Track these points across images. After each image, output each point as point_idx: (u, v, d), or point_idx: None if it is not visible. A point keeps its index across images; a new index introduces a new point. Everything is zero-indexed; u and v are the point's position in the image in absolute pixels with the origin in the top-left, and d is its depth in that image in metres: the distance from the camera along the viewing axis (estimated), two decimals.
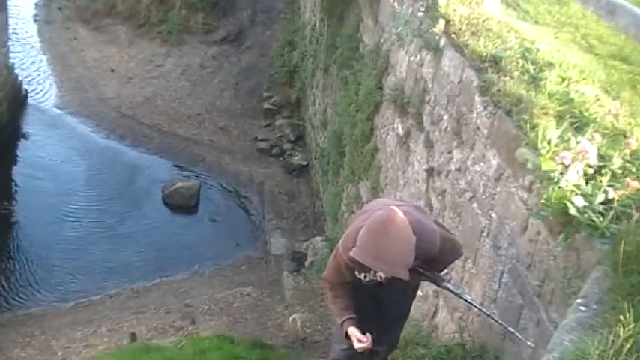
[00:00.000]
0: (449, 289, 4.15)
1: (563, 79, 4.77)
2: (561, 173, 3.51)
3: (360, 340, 4.07)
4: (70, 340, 10.47)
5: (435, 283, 4.13)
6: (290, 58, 16.35)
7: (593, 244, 3.37)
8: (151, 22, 19.21)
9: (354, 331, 4.12)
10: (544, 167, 3.66)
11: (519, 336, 3.91)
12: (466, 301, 4.23)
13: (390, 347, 4.51)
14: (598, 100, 4.47)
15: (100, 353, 9.16)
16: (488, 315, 4.25)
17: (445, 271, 4.60)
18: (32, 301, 11.80)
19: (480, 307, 4.31)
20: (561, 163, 3.53)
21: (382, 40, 8.98)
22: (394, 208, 3.63)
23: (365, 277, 3.97)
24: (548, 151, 3.76)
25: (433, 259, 3.88)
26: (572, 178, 3.45)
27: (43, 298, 11.86)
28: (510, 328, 3.99)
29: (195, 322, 10.59)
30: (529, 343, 3.80)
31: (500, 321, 4.13)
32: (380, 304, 4.31)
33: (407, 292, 4.35)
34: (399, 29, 7.14)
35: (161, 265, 12.64)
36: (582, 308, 2.98)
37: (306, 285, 11.04)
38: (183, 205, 14.19)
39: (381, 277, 3.93)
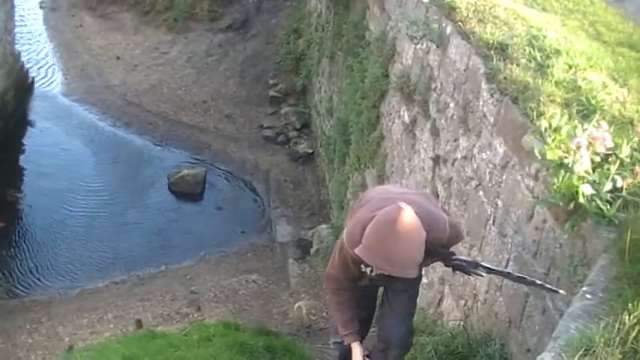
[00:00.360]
0: (461, 261, 3.93)
1: (571, 67, 4.74)
2: (574, 161, 3.46)
3: None
4: (77, 327, 10.52)
5: (444, 262, 3.95)
6: (296, 45, 16.30)
7: (599, 232, 3.36)
8: (156, 9, 19.17)
9: (356, 349, 4.03)
10: (549, 156, 3.63)
11: (550, 287, 3.71)
12: (486, 267, 3.96)
13: (402, 345, 4.17)
14: (605, 87, 4.45)
15: (105, 340, 9.19)
16: (507, 276, 4.06)
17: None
18: (39, 287, 11.86)
19: (498, 269, 4.13)
20: (578, 148, 3.46)
21: (388, 28, 8.95)
22: (402, 205, 3.40)
23: (371, 271, 3.77)
24: (554, 140, 3.73)
25: (442, 246, 3.78)
26: (586, 164, 3.42)
27: (50, 285, 11.92)
28: (538, 281, 3.80)
29: (200, 309, 10.63)
30: (562, 291, 3.64)
31: (524, 276, 3.93)
32: (386, 294, 4.17)
33: (413, 280, 4.21)
34: (409, 30, 7.09)
35: (167, 253, 12.68)
36: (588, 296, 2.97)
37: (311, 272, 11.06)
38: (188, 192, 14.21)
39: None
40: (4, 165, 14.54)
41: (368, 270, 3.77)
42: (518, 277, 3.95)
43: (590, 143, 3.48)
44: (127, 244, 12.87)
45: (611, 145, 3.51)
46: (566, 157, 3.52)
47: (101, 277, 12.03)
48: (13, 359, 9.93)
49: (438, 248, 3.70)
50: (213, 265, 12.26)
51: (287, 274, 11.34)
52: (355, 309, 4.05)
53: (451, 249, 3.88)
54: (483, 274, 3.98)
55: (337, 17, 12.24)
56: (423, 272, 4.15)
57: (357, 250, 3.46)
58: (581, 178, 3.42)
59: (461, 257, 3.97)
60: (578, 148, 3.46)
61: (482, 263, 4.03)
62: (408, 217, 3.36)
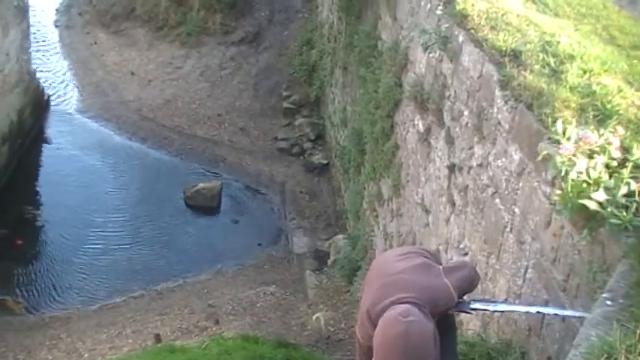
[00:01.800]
0: (477, 309, 3.86)
1: (585, 72, 4.71)
2: (569, 166, 3.42)
3: None
4: (96, 342, 10.57)
5: (462, 312, 3.89)
6: (309, 56, 16.35)
7: (618, 238, 3.32)
8: (169, 24, 19.30)
9: None
10: (558, 165, 3.59)
11: (570, 314, 3.68)
12: (498, 311, 3.99)
13: None
14: (621, 91, 4.41)
15: (125, 355, 9.22)
16: (524, 311, 4.04)
17: None
18: (57, 304, 11.94)
19: (514, 308, 4.12)
20: (566, 156, 3.44)
21: (400, 37, 8.95)
22: (402, 318, 3.32)
23: None
24: (577, 148, 3.69)
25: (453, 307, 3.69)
26: (582, 167, 3.37)
27: (68, 301, 11.99)
28: (557, 312, 3.78)
29: (219, 323, 10.64)
30: (581, 314, 3.59)
31: (543, 311, 3.91)
32: None
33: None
34: (421, 39, 7.09)
35: (184, 267, 12.72)
36: (608, 303, 2.95)
37: (329, 283, 11.05)
38: (205, 206, 14.26)
39: None
40: (21, 182, 14.68)
41: None
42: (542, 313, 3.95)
43: (579, 146, 3.44)
44: (145, 259, 12.92)
45: (595, 140, 3.47)
46: (563, 164, 3.49)
47: (119, 292, 12.08)
48: None
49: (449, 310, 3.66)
50: (231, 277, 12.28)
51: (304, 285, 11.33)
52: None
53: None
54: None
55: (349, 27, 12.26)
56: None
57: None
58: (590, 185, 3.37)
59: (477, 305, 3.83)
60: (565, 152, 3.43)
61: (499, 307, 4.02)
62: (414, 328, 3.29)
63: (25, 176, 15.01)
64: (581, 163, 3.37)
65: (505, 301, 3.81)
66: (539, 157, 3.86)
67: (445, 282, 3.57)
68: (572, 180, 3.36)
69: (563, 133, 3.61)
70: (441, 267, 3.65)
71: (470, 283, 3.76)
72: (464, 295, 3.73)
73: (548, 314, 3.90)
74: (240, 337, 6.97)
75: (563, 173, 3.44)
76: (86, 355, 10.16)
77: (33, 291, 12.20)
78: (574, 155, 3.42)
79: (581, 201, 3.30)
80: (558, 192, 3.51)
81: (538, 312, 3.87)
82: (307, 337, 9.76)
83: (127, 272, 12.59)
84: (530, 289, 4.42)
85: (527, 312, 3.92)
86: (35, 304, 11.94)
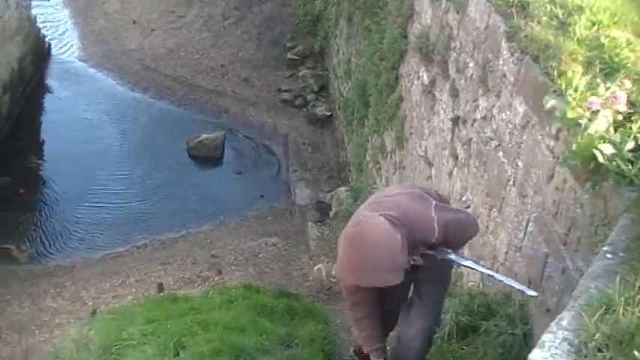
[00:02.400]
0: (452, 259, 3.79)
1: (594, 24, 4.63)
2: (590, 120, 3.42)
3: None
4: (99, 291, 10.68)
5: (438, 257, 3.77)
6: (313, 6, 16.13)
7: (621, 192, 3.31)
8: None
9: None
10: (570, 115, 3.57)
11: (525, 290, 3.73)
12: (468, 267, 3.95)
13: (428, 329, 4.02)
14: (630, 44, 4.34)
15: (128, 303, 9.32)
16: (492, 277, 3.97)
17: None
18: (62, 253, 12.03)
19: (483, 269, 4.03)
20: (589, 109, 3.43)
21: None
22: (363, 217, 3.47)
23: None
24: (575, 99, 3.67)
25: (441, 243, 3.66)
26: (602, 124, 3.37)
27: (72, 250, 12.08)
28: (517, 286, 3.82)
29: (221, 273, 10.72)
30: (533, 293, 3.70)
31: (505, 280, 3.88)
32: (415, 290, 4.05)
33: (435, 271, 3.97)
34: None
35: (187, 217, 12.77)
36: (609, 256, 2.95)
37: (330, 235, 11.10)
38: (208, 156, 14.26)
39: None
40: (23, 132, 14.67)
41: None
42: (505, 282, 3.92)
43: (605, 103, 3.42)
44: (148, 209, 12.98)
45: (624, 108, 3.44)
46: (582, 117, 3.47)
47: (122, 241, 12.16)
48: (38, 323, 10.11)
49: (438, 246, 3.66)
50: (233, 228, 12.34)
51: (306, 236, 11.38)
52: (376, 323, 3.90)
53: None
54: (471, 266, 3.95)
55: None
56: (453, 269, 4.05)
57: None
58: (601, 137, 3.36)
59: (452, 257, 3.76)
60: (590, 107, 3.41)
61: (468, 263, 3.94)
62: (370, 227, 3.37)
63: (27, 125, 14.98)
64: (602, 119, 3.35)
65: (476, 262, 3.84)
66: (548, 106, 3.83)
67: (432, 215, 3.59)
68: (589, 134, 3.35)
69: (571, 86, 3.58)
70: (435, 202, 3.66)
71: (462, 229, 3.76)
72: (454, 240, 3.71)
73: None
74: (242, 287, 7.02)
75: (582, 127, 3.41)
76: (90, 303, 10.27)
77: (37, 240, 12.29)
78: (598, 111, 3.39)
79: (593, 150, 3.29)
80: (574, 144, 3.48)
81: (493, 277, 3.89)
82: (308, 288, 9.84)
83: (130, 222, 12.65)
84: (531, 242, 4.44)
85: (486, 274, 3.95)
86: (39, 253, 12.04)
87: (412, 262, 3.59)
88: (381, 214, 3.44)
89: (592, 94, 3.56)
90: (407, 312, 3.98)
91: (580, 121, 3.44)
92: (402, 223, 3.42)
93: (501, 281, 3.84)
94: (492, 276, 3.87)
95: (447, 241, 3.66)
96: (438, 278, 3.88)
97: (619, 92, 3.46)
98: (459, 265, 3.87)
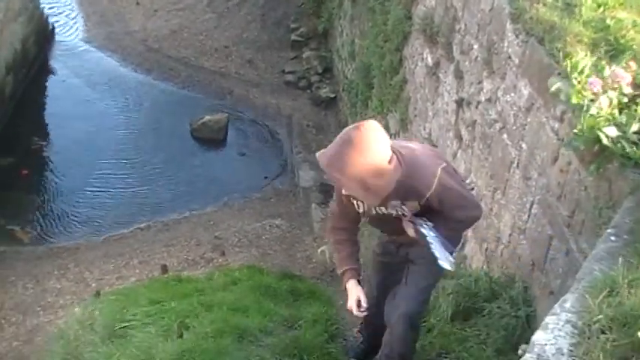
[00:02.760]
0: (422, 224, 3.48)
1: (599, 6, 4.60)
2: (592, 100, 3.40)
3: (359, 305, 3.67)
4: (103, 272, 10.73)
5: (411, 222, 3.50)
6: None
7: (625, 174, 3.31)
8: None
9: (352, 290, 3.71)
10: (574, 98, 3.55)
11: (442, 263, 3.41)
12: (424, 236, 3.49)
13: (410, 314, 3.73)
14: (636, 26, 4.31)
15: (132, 284, 9.36)
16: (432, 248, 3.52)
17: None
18: (65, 234, 12.06)
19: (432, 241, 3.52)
20: (591, 91, 3.40)
21: None
22: (370, 123, 3.29)
23: (358, 206, 3.59)
24: (579, 82, 3.65)
25: (432, 208, 3.44)
26: (604, 105, 3.34)
27: (76, 231, 12.12)
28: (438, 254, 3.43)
29: (225, 254, 10.76)
30: (446, 266, 3.43)
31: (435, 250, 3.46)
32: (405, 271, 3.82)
33: (427, 256, 3.61)
34: None
35: (191, 199, 12.78)
36: (613, 238, 2.95)
37: None
38: (211, 138, 14.25)
39: (376, 210, 3.53)
40: (27, 113, 14.65)
41: (356, 205, 3.60)
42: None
43: (604, 85, 3.40)
44: (151, 191, 12.99)
45: (628, 90, 3.41)
46: (585, 99, 3.45)
47: (126, 223, 12.19)
48: (42, 304, 10.18)
49: (428, 209, 3.44)
50: (237, 210, 12.36)
51: (310, 218, 11.40)
52: (354, 247, 3.82)
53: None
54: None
55: None
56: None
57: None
58: (605, 119, 3.35)
59: (422, 229, 3.47)
60: (591, 87, 3.38)
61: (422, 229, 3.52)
62: (368, 131, 3.22)
63: (31, 107, 14.96)
64: (604, 99, 3.33)
65: (436, 237, 3.47)
66: (553, 89, 3.80)
67: (437, 170, 3.40)
68: (591, 115, 3.33)
69: (576, 69, 3.56)
70: (446, 164, 3.51)
71: (459, 205, 3.48)
72: (447, 212, 3.45)
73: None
74: (245, 268, 7.03)
75: (585, 108, 3.38)
76: (94, 285, 10.32)
77: (41, 221, 12.31)
78: (600, 92, 3.37)
79: (598, 132, 3.27)
80: (578, 127, 3.46)
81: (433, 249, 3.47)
82: (312, 270, 9.87)
83: (134, 204, 12.68)
84: (535, 224, 4.43)
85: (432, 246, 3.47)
86: (43, 235, 12.07)
87: (398, 212, 3.48)
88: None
89: (598, 77, 3.54)
90: (394, 295, 3.86)
91: (582, 102, 3.42)
92: (404, 161, 3.31)
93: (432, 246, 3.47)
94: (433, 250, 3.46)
95: (440, 209, 3.44)
96: (428, 264, 3.58)
97: (620, 72, 3.44)
98: (424, 239, 3.48)
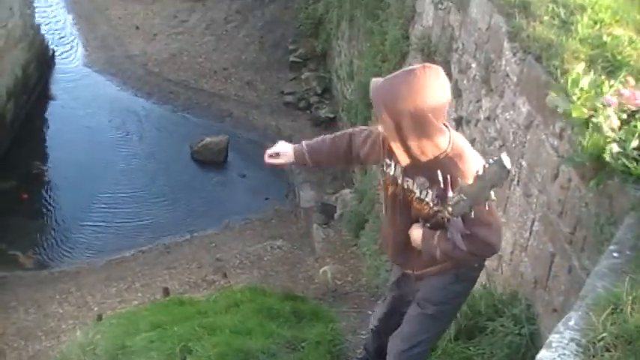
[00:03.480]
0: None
1: (596, 23, 4.64)
2: (605, 118, 3.38)
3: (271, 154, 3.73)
4: (105, 296, 10.68)
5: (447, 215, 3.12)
6: (315, 9, 16.13)
7: (626, 190, 3.31)
8: None
9: (280, 145, 3.79)
10: (575, 114, 3.57)
11: None
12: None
13: (401, 355, 3.57)
14: (632, 42, 4.34)
15: (134, 308, 9.32)
16: None
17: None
18: (67, 258, 12.03)
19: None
20: (607, 106, 3.38)
21: None
22: (438, 67, 3.01)
23: (388, 166, 3.34)
24: (579, 98, 3.66)
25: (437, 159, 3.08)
26: (615, 124, 3.34)
27: (77, 255, 12.09)
28: None
29: (227, 276, 10.72)
30: None
31: None
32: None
33: (436, 287, 3.48)
34: None
35: (192, 221, 12.77)
36: (615, 255, 2.94)
37: (335, 237, 11.08)
38: (211, 160, 14.26)
39: (402, 181, 3.27)
40: (28, 138, 14.69)
41: (385, 162, 3.36)
42: None
43: (621, 104, 3.40)
44: (152, 213, 12.98)
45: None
46: (593, 116, 3.45)
47: (127, 246, 12.16)
48: (44, 329, 10.12)
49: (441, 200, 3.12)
50: (238, 232, 12.34)
51: (311, 239, 11.37)
52: (331, 148, 3.75)
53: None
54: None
55: None
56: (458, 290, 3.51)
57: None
58: (608, 136, 3.35)
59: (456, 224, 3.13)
60: (608, 106, 3.38)
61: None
62: (433, 73, 2.96)
63: (32, 132, 15.00)
64: (615, 119, 3.33)
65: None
66: (552, 106, 3.81)
67: (480, 168, 2.93)
68: (599, 132, 3.33)
69: (576, 85, 3.57)
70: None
71: (484, 219, 3.08)
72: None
73: None
74: (248, 290, 7.02)
75: (591, 125, 3.38)
76: (96, 309, 10.27)
77: (43, 246, 12.29)
78: (613, 110, 3.37)
79: (603, 149, 3.28)
80: (580, 140, 3.46)
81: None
82: (314, 290, 9.82)
83: (135, 227, 12.66)
84: (537, 241, 4.43)
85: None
86: (45, 259, 12.04)
87: (422, 195, 3.21)
88: None
89: (596, 93, 3.55)
90: (398, 325, 3.68)
91: (594, 119, 3.41)
92: (454, 141, 3.09)
93: None
94: None
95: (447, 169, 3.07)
96: (432, 308, 3.42)
97: (635, 91, 3.44)
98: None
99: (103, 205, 13.13)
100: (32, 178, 13.67)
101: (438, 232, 3.24)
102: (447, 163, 3.07)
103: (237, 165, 14.43)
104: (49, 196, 13.46)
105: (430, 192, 3.21)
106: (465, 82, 6.32)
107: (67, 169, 13.93)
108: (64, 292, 10.91)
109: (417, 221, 3.35)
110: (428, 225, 3.30)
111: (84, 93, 16.22)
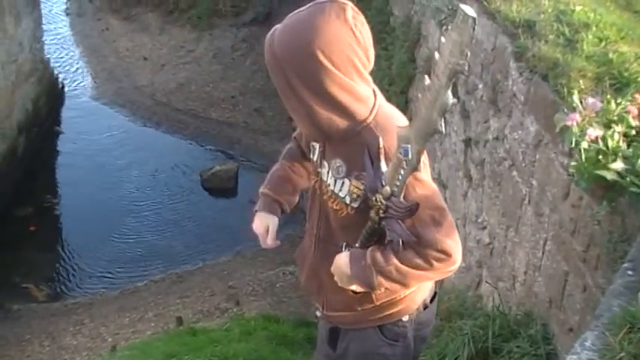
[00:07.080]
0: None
1: (601, 40, 4.65)
2: (581, 136, 3.33)
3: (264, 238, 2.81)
4: (119, 327, 10.66)
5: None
6: None
7: (638, 208, 3.29)
8: (180, 8, 19.25)
9: (256, 222, 2.78)
10: (568, 135, 3.53)
11: None
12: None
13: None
14: (638, 59, 4.34)
15: (147, 338, 9.31)
16: None
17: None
18: (79, 290, 12.04)
19: None
20: (575, 125, 3.34)
21: (412, 12, 8.88)
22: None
23: (312, 147, 2.64)
24: (584, 117, 3.64)
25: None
26: (592, 135, 3.27)
27: (90, 287, 12.09)
28: None
29: (239, 304, 10.69)
30: None
31: None
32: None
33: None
34: (435, 17, 7.02)
35: (204, 249, 12.77)
36: (630, 272, 2.92)
37: None
38: (222, 188, 14.29)
39: (318, 167, 2.58)
40: (38, 171, 14.78)
41: (310, 147, 2.69)
42: None
43: (585, 115, 3.35)
44: (164, 243, 12.99)
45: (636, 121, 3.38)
46: (574, 134, 3.40)
47: (140, 276, 12.17)
48: None
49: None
50: (250, 259, 12.31)
51: None
52: (288, 172, 2.97)
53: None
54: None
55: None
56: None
57: None
58: (605, 155, 3.31)
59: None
60: (571, 122, 3.35)
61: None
62: (349, 11, 2.22)
63: (42, 165, 15.10)
64: (591, 131, 3.30)
65: None
66: (557, 129, 3.79)
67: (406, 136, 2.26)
68: (585, 150, 3.29)
69: (581, 102, 3.56)
70: None
71: (430, 215, 2.28)
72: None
73: None
74: (261, 318, 7.00)
75: (573, 144, 3.35)
76: (110, 340, 10.25)
77: (54, 278, 12.32)
78: (583, 124, 3.34)
79: (597, 172, 3.25)
80: (573, 163, 3.45)
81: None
82: None
83: (147, 257, 12.67)
84: (550, 260, 4.40)
85: None
86: (58, 291, 12.06)
87: (336, 188, 2.47)
88: None
89: (604, 111, 3.53)
90: None
91: (577, 139, 3.34)
92: (380, 109, 2.45)
93: None
94: None
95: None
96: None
97: (631, 106, 3.44)
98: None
99: (115, 236, 13.15)
100: (44, 210, 13.72)
101: (370, 248, 2.40)
102: (366, 136, 2.30)
103: (248, 191, 14.40)
104: (61, 229, 13.50)
105: (347, 182, 2.39)
106: (472, 103, 6.33)
107: (78, 200, 13.98)
108: (78, 323, 10.90)
109: (341, 231, 2.55)
110: (356, 245, 2.44)
111: (93, 124, 16.32)
